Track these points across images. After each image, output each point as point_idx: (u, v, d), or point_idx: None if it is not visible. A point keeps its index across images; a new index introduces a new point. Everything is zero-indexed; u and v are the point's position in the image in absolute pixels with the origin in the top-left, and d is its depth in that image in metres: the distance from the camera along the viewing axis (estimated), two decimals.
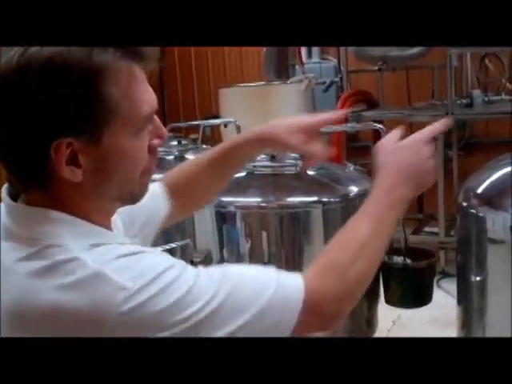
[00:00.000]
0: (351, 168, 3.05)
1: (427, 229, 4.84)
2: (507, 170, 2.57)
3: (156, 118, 0.95)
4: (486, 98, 4.56)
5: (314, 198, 2.70)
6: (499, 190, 2.46)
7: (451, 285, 2.93)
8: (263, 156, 2.89)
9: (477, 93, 4.54)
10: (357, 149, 4.95)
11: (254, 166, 2.87)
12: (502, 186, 2.48)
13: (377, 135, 5.34)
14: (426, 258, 2.80)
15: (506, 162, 2.63)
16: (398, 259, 2.77)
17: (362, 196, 2.82)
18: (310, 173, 2.88)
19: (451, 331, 3.60)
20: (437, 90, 4.80)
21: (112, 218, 1.02)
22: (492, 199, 2.43)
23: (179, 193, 1.31)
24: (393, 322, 3.80)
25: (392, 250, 2.88)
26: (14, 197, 0.94)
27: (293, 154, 2.91)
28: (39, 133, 0.85)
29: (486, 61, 4.74)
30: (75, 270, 0.82)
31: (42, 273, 0.83)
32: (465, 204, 2.50)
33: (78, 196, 0.92)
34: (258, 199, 2.70)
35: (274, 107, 4.42)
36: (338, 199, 2.72)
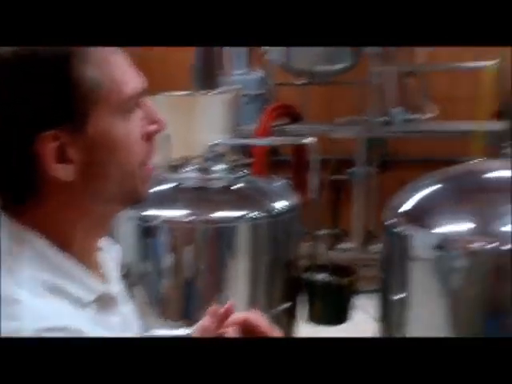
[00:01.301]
0: (279, 182, 3.05)
1: (341, 245, 4.91)
2: (430, 189, 2.64)
3: (147, 102, 0.89)
4: (406, 116, 4.68)
5: (241, 213, 2.68)
6: (423, 210, 2.52)
7: (366, 301, 2.97)
8: (192, 168, 2.85)
9: (397, 111, 4.65)
10: (277, 163, 4.97)
11: (181, 179, 2.82)
12: (426, 206, 2.55)
13: (298, 149, 5.40)
14: (347, 275, 2.84)
15: (429, 181, 2.71)
16: (322, 276, 2.80)
17: (288, 212, 2.82)
18: (237, 186, 2.86)
19: None
20: (358, 106, 4.89)
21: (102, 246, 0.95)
22: (416, 218, 2.49)
23: None
24: None
25: (315, 267, 2.90)
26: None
27: (222, 167, 2.89)
28: (20, 129, 0.79)
29: (407, 79, 4.87)
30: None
31: None
32: (389, 222, 2.55)
33: (73, 205, 0.85)
34: (184, 213, 2.65)
35: (199, 117, 4.37)
36: (265, 214, 2.71)
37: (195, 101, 4.46)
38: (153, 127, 0.89)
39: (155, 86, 0.90)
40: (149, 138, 0.88)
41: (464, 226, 2.41)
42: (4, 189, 0.84)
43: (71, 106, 0.80)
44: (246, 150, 4.33)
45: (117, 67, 0.84)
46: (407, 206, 2.57)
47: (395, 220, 2.53)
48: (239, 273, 2.66)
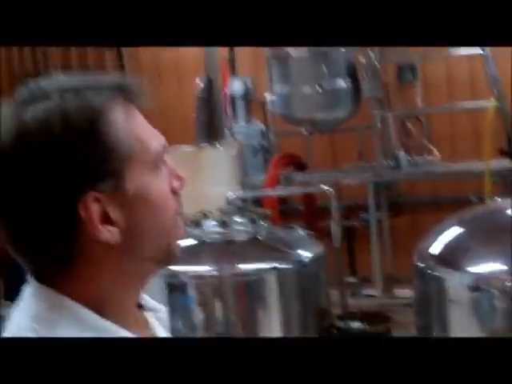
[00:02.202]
0: (300, 232, 3.01)
1: (363, 291, 4.84)
2: (458, 230, 2.62)
3: (168, 159, 0.90)
4: (411, 159, 4.69)
5: (269, 265, 2.63)
6: (455, 251, 2.49)
7: None
8: (212, 222, 2.81)
9: (402, 154, 4.67)
10: (286, 212, 4.95)
11: (204, 233, 2.78)
12: (457, 246, 2.52)
13: (307, 198, 5.38)
14: (382, 322, 2.79)
15: (455, 222, 2.69)
16: (355, 325, 2.74)
17: (314, 261, 2.78)
18: (261, 238, 2.82)
19: None
20: (363, 152, 4.90)
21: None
22: (449, 260, 2.46)
23: None
24: None
25: (346, 315, 2.85)
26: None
27: (241, 219, 2.85)
28: (61, 194, 0.79)
29: (407, 123, 4.91)
30: None
31: None
32: (421, 265, 2.51)
33: (112, 266, 0.84)
34: (210, 268, 2.60)
35: (205, 171, 4.35)
36: (291, 265, 2.67)
37: (201, 154, 4.46)
38: (177, 183, 0.89)
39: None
40: (175, 193, 0.89)
41: (497, 266, 2.38)
42: (43, 255, 0.83)
43: (107, 166, 0.81)
44: (256, 202, 4.30)
45: (140, 126, 0.86)
46: (438, 247, 2.54)
47: (428, 263, 2.50)
48: (271, 324, 2.60)
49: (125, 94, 0.84)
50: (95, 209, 0.80)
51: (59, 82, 0.84)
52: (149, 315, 0.98)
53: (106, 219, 0.81)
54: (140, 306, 0.96)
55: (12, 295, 0.90)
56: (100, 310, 0.84)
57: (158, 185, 0.85)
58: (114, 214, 0.81)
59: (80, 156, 0.79)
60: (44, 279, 0.85)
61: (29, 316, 0.83)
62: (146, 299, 0.98)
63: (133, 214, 0.83)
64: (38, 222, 0.80)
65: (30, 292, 0.85)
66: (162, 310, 1.01)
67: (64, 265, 0.83)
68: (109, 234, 0.81)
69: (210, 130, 4.57)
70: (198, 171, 4.38)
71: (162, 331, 0.98)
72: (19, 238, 0.82)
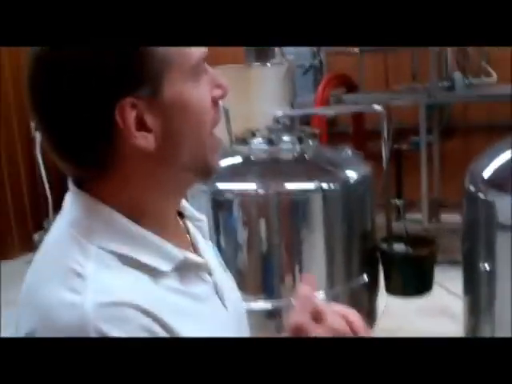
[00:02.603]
0: (348, 152, 2.95)
1: (408, 216, 4.80)
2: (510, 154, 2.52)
3: (209, 67, 0.87)
4: (467, 81, 4.52)
5: (314, 185, 2.60)
6: (507, 175, 2.41)
7: (438, 273, 2.88)
8: (260, 140, 2.78)
9: (458, 75, 4.50)
10: (335, 134, 4.87)
11: (251, 151, 2.75)
12: (509, 171, 2.43)
13: (357, 119, 5.32)
14: (427, 246, 2.75)
15: (508, 146, 2.59)
16: (399, 247, 2.71)
17: (361, 182, 2.74)
18: (308, 157, 2.78)
19: (439, 320, 3.60)
20: (417, 72, 4.75)
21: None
22: (500, 183, 2.38)
23: None
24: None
25: (391, 238, 2.82)
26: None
27: (289, 138, 2.81)
28: (99, 99, 0.78)
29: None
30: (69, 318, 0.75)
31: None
32: (472, 189, 2.44)
33: (149, 174, 0.84)
34: (256, 185, 2.58)
35: (255, 89, 4.29)
36: (337, 185, 2.63)
37: (251, 73, 4.38)
38: (218, 92, 0.88)
39: (208, 59, 0.88)
40: (215, 102, 0.88)
41: None
42: (83, 159, 0.83)
43: (146, 72, 0.79)
44: (305, 122, 4.24)
45: None
46: (489, 171, 2.46)
47: (479, 187, 2.43)
48: (315, 245, 2.59)
49: None
50: (131, 114, 0.79)
51: None
52: (189, 224, 0.98)
53: (142, 125, 0.80)
54: (180, 214, 0.96)
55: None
56: (137, 218, 0.84)
57: (197, 92, 0.84)
58: (150, 120, 0.80)
59: (117, 61, 0.77)
60: (83, 185, 0.85)
61: (67, 221, 0.84)
62: (187, 208, 0.98)
63: (170, 121, 0.82)
64: (78, 125, 0.79)
65: (69, 198, 0.86)
66: (203, 219, 1.00)
67: (102, 170, 0.82)
68: (144, 140, 0.80)
69: (260, 48, 4.48)
70: (248, 90, 4.32)
71: (201, 240, 0.98)
72: (60, 142, 0.82)
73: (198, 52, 0.84)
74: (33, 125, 4.77)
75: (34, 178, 5.20)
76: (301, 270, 2.53)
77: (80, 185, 0.85)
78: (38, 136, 4.67)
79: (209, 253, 0.97)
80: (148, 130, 0.81)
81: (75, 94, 0.77)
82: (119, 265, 0.80)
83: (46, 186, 4.75)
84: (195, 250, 0.94)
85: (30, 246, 4.94)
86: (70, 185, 0.86)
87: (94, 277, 0.77)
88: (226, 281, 0.99)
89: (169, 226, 0.89)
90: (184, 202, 0.98)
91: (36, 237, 5.14)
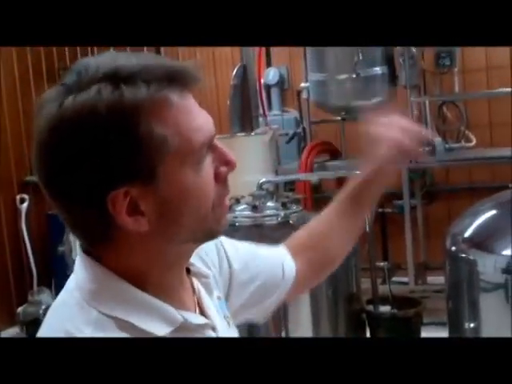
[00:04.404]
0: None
1: (394, 278, 4.82)
2: (491, 213, 2.58)
3: (218, 143, 0.87)
4: (447, 146, 4.63)
5: None
6: (487, 233, 2.46)
7: (426, 334, 2.89)
8: (244, 206, 2.83)
9: (438, 141, 4.61)
10: (319, 199, 4.94)
11: (235, 217, 2.80)
12: (490, 229, 2.49)
13: (341, 185, 5.35)
14: (412, 307, 2.77)
15: (487, 206, 2.65)
16: (385, 309, 2.73)
17: None
18: (292, 222, 2.82)
19: None
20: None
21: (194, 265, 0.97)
22: (481, 242, 2.43)
23: (312, 255, 1.21)
24: None
25: (377, 300, 2.84)
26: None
27: (273, 204, 2.86)
28: (90, 188, 0.79)
29: (444, 109, 4.84)
30: None
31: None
32: (453, 249, 2.48)
33: (148, 250, 0.85)
34: None
35: (239, 159, 4.32)
36: None
37: (235, 143, 4.47)
38: (225, 168, 0.87)
39: None
40: (222, 179, 0.87)
41: None
42: (83, 235, 0.86)
43: (140, 162, 0.79)
44: (289, 189, 4.30)
45: (185, 117, 0.82)
46: (470, 231, 2.51)
47: (460, 246, 2.47)
48: (301, 308, 2.61)
49: (172, 81, 0.80)
50: (124, 203, 0.80)
51: (104, 67, 0.79)
52: (195, 281, 0.98)
53: (135, 210, 0.80)
54: (188, 271, 0.97)
55: None
56: (141, 283, 0.85)
57: (198, 180, 0.83)
58: (144, 205, 0.81)
59: (109, 153, 0.77)
60: (90, 251, 0.87)
61: (74, 283, 0.87)
62: (194, 264, 0.98)
63: (165, 205, 0.82)
64: (73, 207, 0.82)
65: (78, 261, 0.89)
66: (208, 275, 1.01)
67: (103, 245, 0.84)
68: (137, 223, 0.81)
69: (244, 118, 4.59)
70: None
71: (205, 297, 0.98)
72: (61, 215, 0.84)
73: (200, 137, 0.82)
74: (18, 197, 4.81)
75: (18, 250, 5.18)
76: (287, 334, 2.53)
77: (87, 250, 0.87)
78: (23, 208, 4.70)
79: (213, 309, 0.98)
80: (141, 214, 0.81)
81: (68, 178, 0.79)
82: (116, 330, 0.81)
83: (31, 258, 4.74)
84: (200, 308, 0.96)
85: (14, 320, 4.87)
86: (78, 249, 0.88)
87: None
88: (231, 336, 1.00)
89: (174, 288, 0.91)
90: (192, 258, 0.98)
91: (19, 310, 5.08)
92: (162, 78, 0.80)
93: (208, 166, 0.85)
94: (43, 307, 4.18)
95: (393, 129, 1.21)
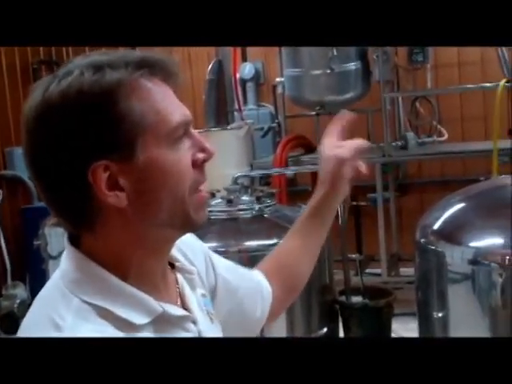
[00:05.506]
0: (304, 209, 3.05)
1: (368, 270, 4.90)
2: (460, 206, 2.65)
3: (194, 131, 0.92)
4: (419, 140, 4.72)
5: (273, 242, 2.68)
6: (456, 226, 2.52)
7: (399, 325, 2.96)
8: (219, 201, 2.86)
9: (410, 135, 4.69)
10: (295, 193, 4.99)
11: (211, 211, 2.83)
12: (458, 222, 2.55)
13: (315, 178, 5.39)
14: (384, 297, 2.83)
15: (456, 199, 2.71)
16: (357, 299, 2.79)
17: None
18: (266, 216, 2.87)
19: None
20: (372, 133, 4.93)
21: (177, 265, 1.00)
22: (449, 234, 2.49)
23: (284, 277, 1.26)
24: None
25: (349, 291, 2.89)
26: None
27: (248, 198, 2.90)
28: (72, 162, 0.84)
29: (417, 104, 4.92)
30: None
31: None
32: (423, 241, 2.54)
33: (128, 230, 0.88)
34: (218, 244, 2.65)
35: (215, 154, 4.39)
36: None
37: (210, 137, 4.49)
38: (201, 155, 0.91)
39: None
40: (198, 165, 0.91)
41: (497, 240, 2.41)
42: (66, 217, 0.89)
43: (118, 137, 0.84)
44: (265, 182, 4.35)
45: (162, 99, 0.88)
46: (439, 223, 2.57)
47: (429, 238, 2.53)
48: None
49: (150, 68, 0.87)
50: (104, 176, 0.84)
51: (89, 59, 0.87)
52: (179, 275, 1.01)
53: (115, 185, 0.85)
54: (172, 266, 1.00)
55: None
56: (123, 272, 0.89)
57: (174, 157, 0.87)
58: (123, 181, 0.85)
59: (90, 127, 0.83)
60: (75, 241, 0.91)
61: (59, 272, 0.91)
62: (179, 259, 1.02)
63: (143, 182, 0.86)
64: (57, 184, 0.86)
65: (65, 251, 0.92)
66: (193, 271, 1.04)
67: (85, 228, 0.88)
68: (116, 198, 0.85)
69: (220, 112, 4.62)
70: None
71: (188, 291, 1.01)
72: (47, 198, 0.88)
73: (176, 118, 0.88)
74: None
75: None
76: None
77: (73, 240, 0.91)
78: None
79: (195, 304, 1.00)
80: (120, 190, 0.85)
81: (52, 155, 0.84)
82: (97, 318, 0.84)
83: (5, 252, 4.72)
84: (182, 301, 0.98)
85: None
86: (65, 240, 0.92)
87: (71, 329, 0.82)
88: (213, 331, 1.02)
89: (155, 279, 0.94)
90: (176, 254, 1.01)
91: None
92: (142, 65, 0.87)
93: (185, 150, 0.89)
94: (17, 301, 4.20)
95: (343, 147, 1.27)
